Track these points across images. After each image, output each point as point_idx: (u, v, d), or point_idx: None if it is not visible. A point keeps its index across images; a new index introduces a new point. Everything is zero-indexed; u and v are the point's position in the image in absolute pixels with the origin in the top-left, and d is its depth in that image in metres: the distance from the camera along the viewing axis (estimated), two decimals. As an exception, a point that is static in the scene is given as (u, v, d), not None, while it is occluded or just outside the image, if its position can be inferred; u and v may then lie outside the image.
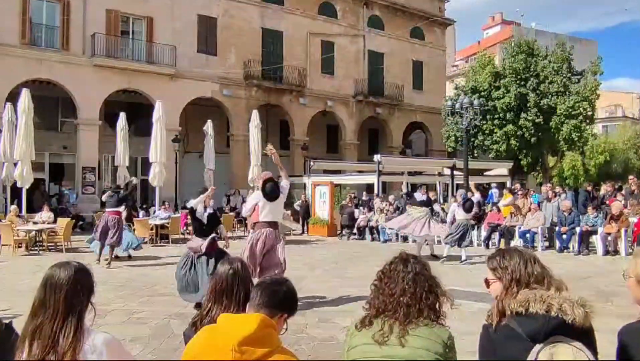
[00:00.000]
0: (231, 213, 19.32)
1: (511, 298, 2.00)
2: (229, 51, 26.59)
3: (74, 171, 23.60)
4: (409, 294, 2.10)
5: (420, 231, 12.27)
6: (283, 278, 2.25)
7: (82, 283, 2.06)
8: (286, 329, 2.12)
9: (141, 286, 9.01)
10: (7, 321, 2.35)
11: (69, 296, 1.99)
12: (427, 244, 13.00)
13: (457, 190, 16.45)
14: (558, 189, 16.77)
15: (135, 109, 23.63)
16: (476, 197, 15.74)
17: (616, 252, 12.72)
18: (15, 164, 16.49)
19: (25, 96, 16.17)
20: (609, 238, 12.82)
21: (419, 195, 13.31)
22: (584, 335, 1.90)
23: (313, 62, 29.36)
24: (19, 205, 15.83)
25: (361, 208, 18.79)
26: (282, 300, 2.09)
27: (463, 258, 11.82)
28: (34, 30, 21.78)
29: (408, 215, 12.93)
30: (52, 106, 24.08)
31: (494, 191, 18.48)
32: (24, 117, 15.96)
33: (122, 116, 19.47)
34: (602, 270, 10.75)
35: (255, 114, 19.94)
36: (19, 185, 16.12)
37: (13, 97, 18.07)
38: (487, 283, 2.16)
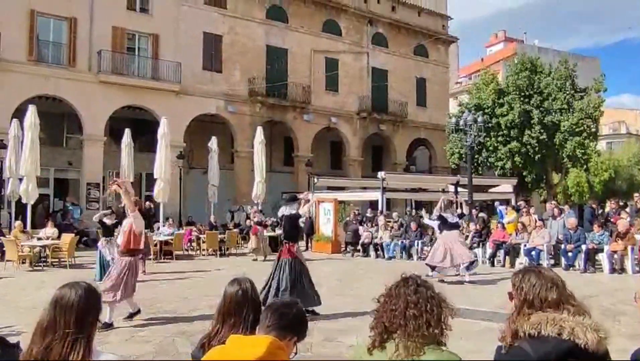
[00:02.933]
0: (235, 230, 19.24)
1: (523, 319, 1.98)
2: (233, 68, 26.79)
3: (79, 187, 23.67)
4: (413, 304, 2.02)
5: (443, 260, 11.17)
6: (294, 300, 2.26)
7: (91, 304, 2.05)
8: (296, 353, 2.10)
9: (144, 304, 8.94)
10: (14, 341, 2.34)
11: (79, 318, 1.98)
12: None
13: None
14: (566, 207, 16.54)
15: (140, 125, 23.78)
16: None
17: (622, 270, 12.60)
18: (20, 180, 16.54)
19: (31, 112, 16.29)
20: (615, 256, 12.70)
21: (451, 217, 11.60)
22: (599, 361, 1.86)
23: (317, 78, 29.53)
24: (24, 221, 15.87)
25: (365, 225, 18.74)
26: (291, 322, 2.10)
27: (467, 279, 11.40)
28: (41, 47, 22.02)
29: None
30: (58, 122, 24.27)
31: (502, 208, 18.40)
32: (30, 133, 16.06)
33: (127, 132, 19.59)
34: (608, 288, 10.65)
35: (259, 130, 20.00)
36: (24, 201, 16.15)
37: (19, 113, 18.20)
38: (511, 296, 2.13)
